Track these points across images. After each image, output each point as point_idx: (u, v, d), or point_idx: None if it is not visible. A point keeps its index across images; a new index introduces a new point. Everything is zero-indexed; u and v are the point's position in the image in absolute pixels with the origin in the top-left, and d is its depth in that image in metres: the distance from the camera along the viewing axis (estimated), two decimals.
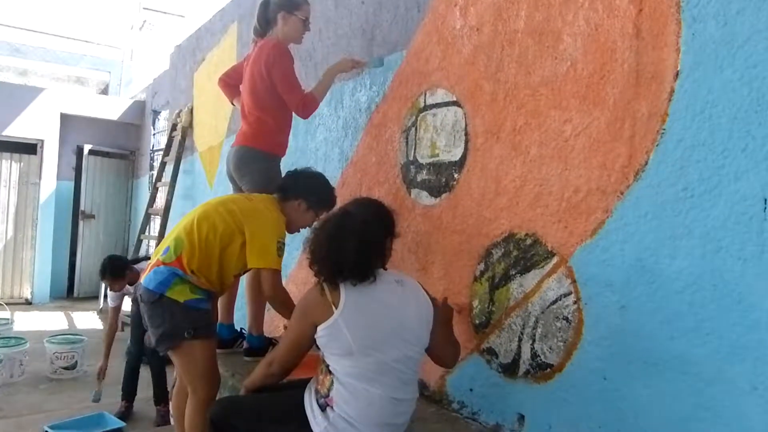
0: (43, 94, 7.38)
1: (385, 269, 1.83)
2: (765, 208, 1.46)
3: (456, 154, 2.45)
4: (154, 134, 7.44)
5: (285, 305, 2.28)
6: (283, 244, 2.30)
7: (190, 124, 5.68)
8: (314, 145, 3.48)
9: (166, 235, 2.47)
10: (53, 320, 6.34)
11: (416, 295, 1.78)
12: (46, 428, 3.16)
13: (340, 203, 2.29)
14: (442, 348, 1.87)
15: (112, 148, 7.96)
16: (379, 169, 2.92)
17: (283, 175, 2.65)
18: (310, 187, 2.46)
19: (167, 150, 6.00)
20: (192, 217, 2.26)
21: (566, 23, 2.00)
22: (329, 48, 3.40)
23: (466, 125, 2.40)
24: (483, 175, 2.31)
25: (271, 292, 2.27)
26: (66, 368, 4.31)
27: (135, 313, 3.50)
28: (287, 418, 1.74)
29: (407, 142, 2.73)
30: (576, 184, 1.94)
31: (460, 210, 2.41)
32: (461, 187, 2.41)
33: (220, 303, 2.82)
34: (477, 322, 2.30)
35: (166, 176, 5.81)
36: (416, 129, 2.67)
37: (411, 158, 2.70)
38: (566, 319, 1.95)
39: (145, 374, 3.60)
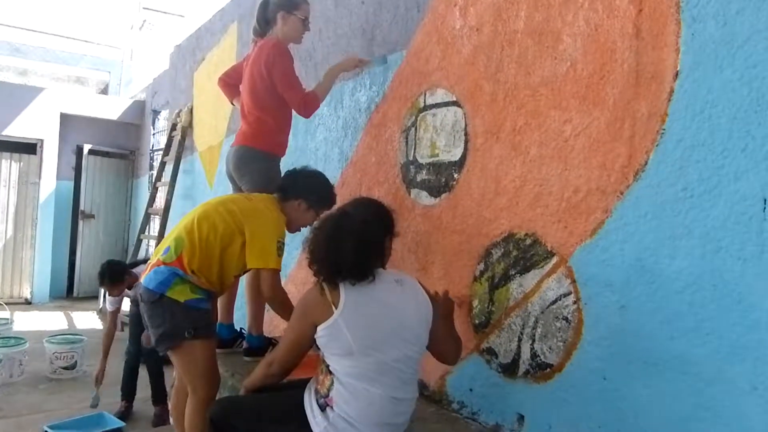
0: (42, 94, 7.38)
1: (385, 269, 1.83)
2: (765, 208, 1.46)
3: (456, 154, 2.45)
4: (153, 134, 7.45)
5: (283, 306, 2.28)
6: (283, 243, 2.29)
7: (190, 124, 5.68)
8: (314, 145, 3.48)
9: (166, 235, 2.47)
10: (53, 320, 6.34)
11: (415, 294, 1.78)
12: (46, 428, 3.16)
13: (339, 203, 2.28)
14: (444, 344, 1.87)
15: (112, 148, 7.96)
16: (378, 169, 2.92)
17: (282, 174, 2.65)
18: (309, 187, 2.46)
19: (167, 150, 6.00)
20: (192, 216, 2.26)
21: (566, 23, 2.00)
22: (329, 48, 3.40)
23: (465, 125, 2.40)
24: (483, 175, 2.31)
25: (270, 293, 2.27)
26: (65, 368, 4.30)
27: (134, 313, 3.50)
28: (287, 418, 1.74)
29: (407, 142, 2.73)
30: (576, 184, 1.94)
31: (459, 210, 2.41)
32: (461, 187, 2.41)
33: (220, 303, 2.82)
34: (477, 322, 2.30)
35: (166, 176, 5.81)
36: (416, 129, 2.67)
37: (411, 158, 2.70)
38: (566, 319, 1.95)
39: (144, 374, 3.60)
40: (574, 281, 1.93)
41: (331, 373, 1.69)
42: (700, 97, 1.61)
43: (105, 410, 3.42)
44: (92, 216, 7.68)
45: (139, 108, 8.05)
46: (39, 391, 4.01)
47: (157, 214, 5.82)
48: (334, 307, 1.67)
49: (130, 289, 3.42)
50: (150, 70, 9.07)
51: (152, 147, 7.40)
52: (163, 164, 6.01)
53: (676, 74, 1.67)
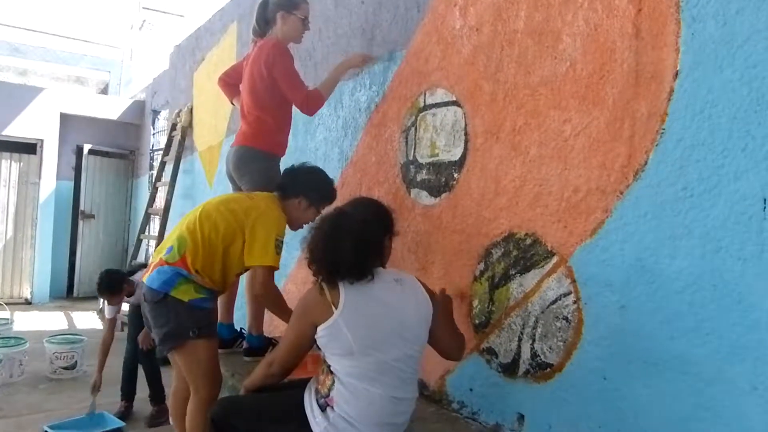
0: (42, 94, 7.38)
1: (384, 268, 1.83)
2: (765, 207, 1.46)
3: (456, 154, 2.45)
4: (153, 134, 7.44)
5: (276, 303, 2.27)
6: (282, 242, 2.29)
7: (190, 124, 5.68)
8: (314, 145, 3.48)
9: (167, 235, 2.46)
10: (53, 320, 6.34)
11: (415, 293, 1.78)
12: (46, 428, 3.16)
13: (339, 203, 2.28)
14: (447, 341, 1.87)
15: (112, 148, 7.96)
16: (378, 168, 2.92)
17: None
18: (309, 184, 2.44)
19: (167, 150, 6.00)
20: (194, 216, 2.26)
21: (566, 23, 2.00)
22: (329, 48, 3.40)
23: (465, 125, 2.40)
24: (483, 174, 2.31)
25: (261, 290, 2.25)
26: (65, 368, 4.30)
27: (133, 313, 3.49)
28: (287, 418, 1.75)
29: (407, 142, 2.73)
30: (576, 184, 1.94)
31: (459, 210, 2.41)
32: (461, 186, 2.41)
33: (220, 302, 2.81)
34: (477, 321, 2.30)
35: (166, 176, 5.81)
36: (416, 129, 2.67)
37: (411, 158, 2.70)
38: (566, 318, 1.95)
39: (144, 374, 3.59)
40: (574, 281, 1.93)
41: (332, 373, 1.69)
42: (700, 96, 1.61)
43: (105, 410, 3.42)
44: (92, 216, 7.68)
45: (139, 108, 8.05)
46: (39, 391, 4.01)
47: (157, 214, 5.82)
48: (333, 307, 1.67)
49: (129, 296, 3.38)
50: (150, 70, 9.07)
51: (152, 147, 7.40)
52: (163, 164, 6.01)
53: (676, 74, 1.67)
